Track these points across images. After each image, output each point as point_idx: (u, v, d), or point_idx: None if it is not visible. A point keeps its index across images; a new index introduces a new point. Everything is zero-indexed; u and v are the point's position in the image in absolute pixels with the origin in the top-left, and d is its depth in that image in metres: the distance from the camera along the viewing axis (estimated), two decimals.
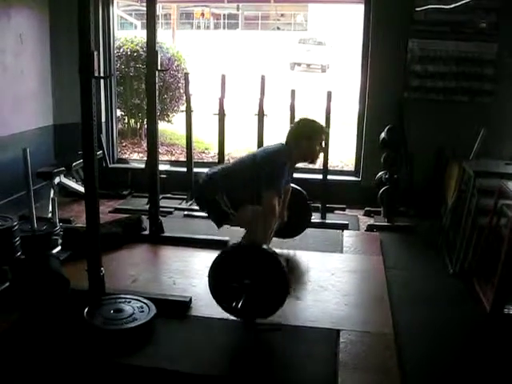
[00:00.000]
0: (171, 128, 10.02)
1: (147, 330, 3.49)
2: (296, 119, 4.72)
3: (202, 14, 32.16)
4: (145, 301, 3.69)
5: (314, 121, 4.38)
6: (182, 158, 8.15)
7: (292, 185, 4.81)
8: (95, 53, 3.39)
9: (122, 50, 8.70)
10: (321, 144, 4.40)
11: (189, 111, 6.43)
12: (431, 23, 6.12)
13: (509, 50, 5.96)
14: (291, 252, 4.97)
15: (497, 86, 6.08)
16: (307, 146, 4.27)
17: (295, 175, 6.15)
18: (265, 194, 3.95)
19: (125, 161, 7.65)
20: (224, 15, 32.65)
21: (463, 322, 3.93)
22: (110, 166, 7.09)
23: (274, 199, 3.93)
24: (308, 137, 4.26)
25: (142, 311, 3.58)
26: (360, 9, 6.67)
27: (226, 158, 6.51)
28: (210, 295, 3.74)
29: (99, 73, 3.48)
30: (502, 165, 5.06)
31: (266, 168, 4.05)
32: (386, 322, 3.78)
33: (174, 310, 3.82)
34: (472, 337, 3.75)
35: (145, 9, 4.93)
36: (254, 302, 3.59)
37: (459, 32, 6.08)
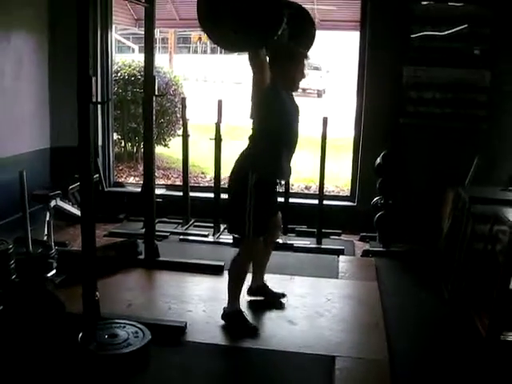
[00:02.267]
0: (168, 152, 10.05)
1: (142, 356, 3.47)
2: None
3: (200, 39, 32.35)
4: (140, 326, 3.67)
5: (290, 45, 4.03)
6: (179, 182, 8.16)
7: None
8: (93, 78, 3.42)
9: (119, 74, 8.75)
10: (301, 70, 3.99)
11: (185, 136, 6.45)
12: (426, 50, 6.17)
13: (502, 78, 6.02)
14: (287, 277, 4.97)
15: (491, 112, 6.12)
16: (285, 72, 3.92)
17: (291, 200, 6.24)
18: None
19: (121, 184, 7.65)
20: None
21: (459, 348, 3.92)
22: (106, 189, 7.08)
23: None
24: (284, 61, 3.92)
25: (137, 336, 3.56)
26: (356, 36, 6.73)
27: (222, 182, 6.52)
28: (206, 320, 3.73)
29: (97, 98, 3.51)
30: (497, 191, 5.08)
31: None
32: (381, 348, 3.78)
33: (169, 335, 3.81)
34: (468, 364, 3.73)
35: (142, 32, 4.99)
36: None
37: (454, 59, 6.14)
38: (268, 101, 3.85)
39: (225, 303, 4.10)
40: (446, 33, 6.10)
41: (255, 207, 3.83)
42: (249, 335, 3.91)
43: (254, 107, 3.95)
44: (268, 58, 3.85)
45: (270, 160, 3.89)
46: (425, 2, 6.17)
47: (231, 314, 4.03)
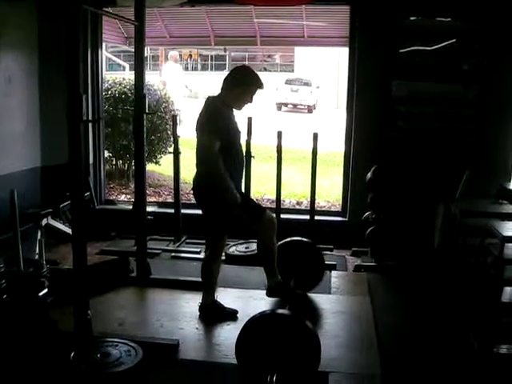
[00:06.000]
0: (159, 169, 10.03)
1: (134, 375, 3.45)
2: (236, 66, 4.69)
3: (190, 56, 32.51)
4: (132, 344, 3.65)
5: (253, 71, 4.37)
6: (170, 200, 8.14)
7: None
8: (83, 96, 3.42)
9: (110, 92, 8.75)
10: (251, 95, 4.29)
11: (176, 152, 6.47)
12: (415, 65, 6.21)
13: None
14: None
15: (480, 125, 6.15)
16: (238, 92, 4.22)
17: (283, 216, 6.23)
18: (201, 139, 4.11)
19: (112, 202, 7.64)
20: (211, 56, 33.03)
21: (452, 361, 3.91)
22: (97, 207, 7.08)
23: (209, 142, 4.02)
24: (242, 84, 4.22)
25: (129, 355, 3.54)
26: (345, 51, 6.76)
27: None
28: (199, 338, 3.72)
29: (87, 116, 3.51)
30: (487, 204, 5.10)
31: (200, 120, 4.17)
32: (374, 363, 3.77)
33: (162, 353, 3.79)
34: (461, 377, 3.73)
35: (133, 50, 5.01)
36: None
37: (442, 73, 6.18)
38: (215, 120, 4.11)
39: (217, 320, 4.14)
40: (435, 47, 6.16)
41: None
42: (230, 318, 4.23)
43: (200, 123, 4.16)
44: (231, 76, 4.27)
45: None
46: (413, 18, 6.23)
47: (208, 305, 4.31)
